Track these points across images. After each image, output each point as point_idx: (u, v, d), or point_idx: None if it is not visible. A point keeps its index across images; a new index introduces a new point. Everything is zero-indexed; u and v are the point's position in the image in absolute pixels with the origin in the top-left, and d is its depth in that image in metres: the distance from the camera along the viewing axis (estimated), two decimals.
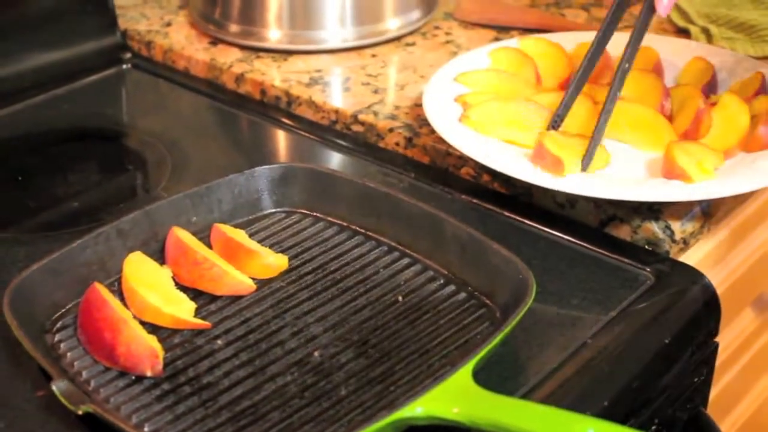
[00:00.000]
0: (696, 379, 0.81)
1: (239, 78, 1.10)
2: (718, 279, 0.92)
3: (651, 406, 0.75)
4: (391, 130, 0.98)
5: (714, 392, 0.88)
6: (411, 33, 1.19)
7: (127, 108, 1.16)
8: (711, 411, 0.85)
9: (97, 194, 0.97)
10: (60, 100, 1.12)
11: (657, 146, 0.89)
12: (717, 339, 0.83)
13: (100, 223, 0.81)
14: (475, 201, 0.89)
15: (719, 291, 0.81)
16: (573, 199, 0.86)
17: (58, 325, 0.73)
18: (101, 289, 0.72)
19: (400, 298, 0.76)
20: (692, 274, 0.81)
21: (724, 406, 1.13)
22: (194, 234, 0.81)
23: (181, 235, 0.79)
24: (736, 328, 1.07)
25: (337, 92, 1.06)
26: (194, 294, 0.76)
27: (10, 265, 0.82)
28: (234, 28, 1.17)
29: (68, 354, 0.71)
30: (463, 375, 0.63)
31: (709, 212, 0.86)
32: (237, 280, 0.77)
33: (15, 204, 0.95)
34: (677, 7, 1.20)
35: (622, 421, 0.71)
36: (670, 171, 0.83)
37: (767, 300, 1.13)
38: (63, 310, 0.74)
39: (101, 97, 1.14)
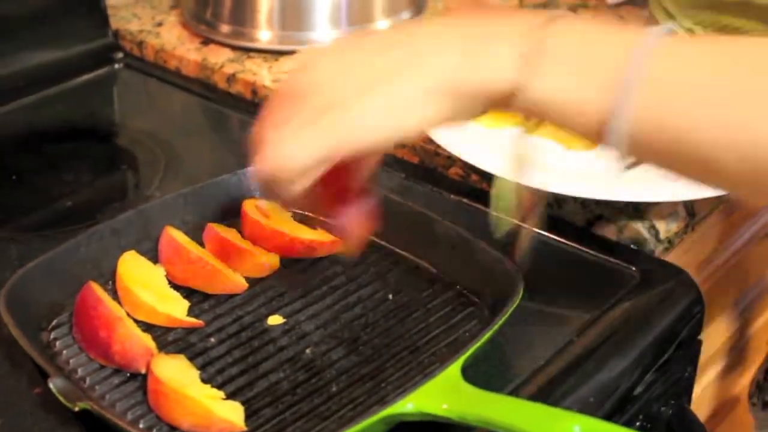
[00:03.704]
0: (680, 377, 0.83)
1: (230, 78, 1.11)
2: (701, 278, 0.94)
3: (636, 403, 0.77)
4: None
5: (697, 389, 0.90)
6: None
7: (120, 107, 1.17)
8: (693, 407, 0.87)
9: (90, 193, 0.98)
10: (52, 100, 1.12)
11: None
12: (700, 337, 0.84)
13: (94, 222, 0.83)
14: (464, 201, 0.90)
15: (703, 289, 0.82)
16: (560, 199, 0.87)
17: (54, 323, 0.74)
18: (96, 288, 0.73)
19: (390, 296, 0.77)
20: (677, 273, 0.82)
21: (706, 402, 1.15)
22: (187, 233, 0.82)
23: (174, 234, 0.80)
24: (719, 326, 1.09)
25: None
26: (187, 292, 0.78)
27: (4, 264, 0.82)
28: (225, 28, 1.18)
29: (64, 352, 0.72)
30: (453, 372, 0.65)
31: (693, 212, 0.88)
32: (230, 278, 0.78)
33: (8, 203, 0.96)
34: (663, 8, 1.21)
35: (608, 417, 0.73)
36: None
37: (750, 298, 1.15)
38: (58, 309, 0.75)
39: (93, 96, 1.15)
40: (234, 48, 1.16)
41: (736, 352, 1.19)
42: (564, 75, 0.55)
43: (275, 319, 0.75)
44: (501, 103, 0.57)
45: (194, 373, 0.69)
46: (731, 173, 0.53)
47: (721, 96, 0.53)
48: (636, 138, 0.54)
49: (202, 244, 0.82)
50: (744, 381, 1.20)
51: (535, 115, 0.58)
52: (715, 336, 1.09)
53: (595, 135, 0.56)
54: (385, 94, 0.58)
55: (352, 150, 0.59)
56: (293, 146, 0.59)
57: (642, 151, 0.56)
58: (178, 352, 0.72)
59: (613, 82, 0.53)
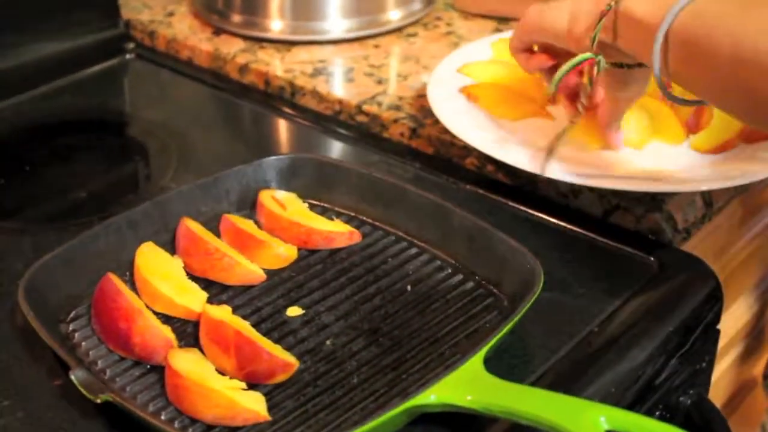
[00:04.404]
0: (698, 366, 0.83)
1: (243, 68, 1.11)
2: (718, 266, 0.93)
3: (656, 393, 0.77)
4: (395, 120, 0.99)
5: (713, 376, 0.90)
6: (412, 24, 1.19)
7: (131, 98, 1.17)
8: (709, 394, 0.87)
9: (103, 185, 0.98)
10: (64, 91, 1.12)
11: (662, 135, 0.91)
12: (718, 326, 0.84)
13: (107, 213, 0.82)
14: (479, 191, 0.90)
15: (720, 278, 0.82)
16: (577, 189, 0.87)
17: (72, 314, 0.74)
18: (115, 280, 0.73)
19: (408, 288, 0.77)
20: (695, 263, 0.82)
21: (722, 389, 1.15)
22: (203, 224, 0.82)
23: (191, 225, 0.80)
24: (735, 313, 1.08)
25: (341, 82, 1.07)
26: (205, 284, 0.77)
27: (18, 256, 0.83)
28: (237, 18, 1.18)
29: (83, 343, 0.72)
30: (475, 363, 0.65)
31: (710, 202, 0.88)
32: (248, 269, 0.78)
33: (21, 194, 0.95)
34: None
35: (629, 407, 0.72)
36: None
37: (765, 286, 1.15)
38: (76, 300, 0.75)
39: (105, 87, 1.14)
40: (246, 38, 1.16)
41: (752, 339, 1.19)
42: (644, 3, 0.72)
43: (294, 311, 0.75)
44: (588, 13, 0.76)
45: (210, 366, 0.69)
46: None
47: (744, 17, 0.66)
48: (675, 48, 0.69)
49: (218, 235, 0.81)
50: (760, 367, 1.20)
51: (615, 29, 0.74)
52: (731, 323, 1.09)
53: (645, 45, 0.71)
54: (549, 6, 0.80)
55: (524, 36, 0.85)
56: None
57: (679, 60, 0.70)
58: (198, 343, 0.71)
59: (668, 7, 0.69)
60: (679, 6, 0.69)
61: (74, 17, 1.16)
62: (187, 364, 0.68)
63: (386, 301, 0.76)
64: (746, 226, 1.02)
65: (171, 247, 0.81)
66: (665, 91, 0.74)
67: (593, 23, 0.76)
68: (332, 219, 0.84)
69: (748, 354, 1.20)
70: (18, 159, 1.01)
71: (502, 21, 1.20)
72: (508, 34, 1.06)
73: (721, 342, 0.89)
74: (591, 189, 0.86)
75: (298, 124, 1.05)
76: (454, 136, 0.91)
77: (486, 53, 1.03)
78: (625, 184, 0.83)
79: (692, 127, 0.91)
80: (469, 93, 0.95)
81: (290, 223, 0.81)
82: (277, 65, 1.10)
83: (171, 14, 1.23)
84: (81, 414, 0.67)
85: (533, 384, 0.69)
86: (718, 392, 1.13)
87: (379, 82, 1.06)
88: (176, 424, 0.65)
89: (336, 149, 1.01)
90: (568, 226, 0.85)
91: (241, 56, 1.12)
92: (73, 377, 0.65)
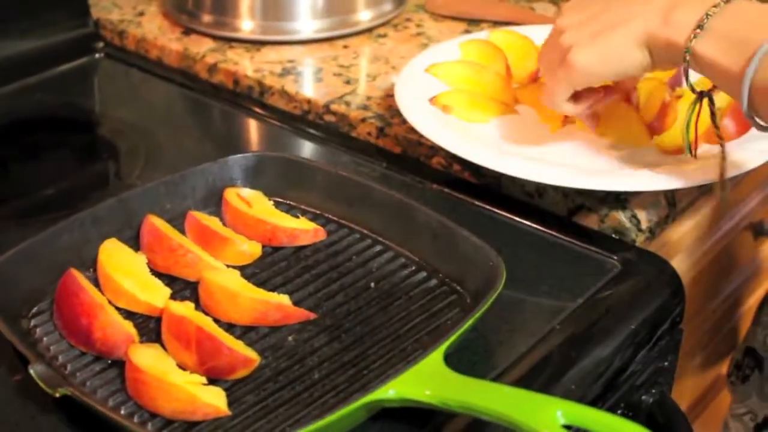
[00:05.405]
0: (661, 365, 0.83)
1: (212, 68, 1.11)
2: (683, 268, 0.94)
3: (618, 391, 0.77)
4: (363, 120, 0.99)
5: (679, 377, 0.90)
6: (383, 24, 1.20)
7: (100, 97, 1.16)
8: (675, 396, 0.87)
9: (71, 183, 0.98)
10: (33, 90, 1.12)
11: (627, 137, 0.91)
12: (681, 326, 0.84)
13: (74, 211, 0.82)
14: (446, 190, 0.90)
15: (684, 280, 0.83)
16: (542, 189, 0.87)
17: (34, 310, 0.74)
18: (78, 275, 0.73)
19: (372, 285, 0.77)
20: (658, 263, 0.82)
21: (688, 390, 1.16)
22: (168, 221, 0.81)
23: (156, 222, 0.80)
24: (701, 315, 1.09)
25: (310, 82, 1.07)
26: (169, 280, 0.77)
27: None
28: (207, 18, 1.17)
29: (44, 338, 0.71)
30: (435, 358, 0.65)
31: (674, 202, 0.88)
32: (211, 266, 0.77)
33: None
34: None
35: (590, 405, 0.73)
36: None
37: (731, 288, 1.15)
38: (39, 296, 0.75)
39: (74, 86, 1.14)
40: (215, 38, 1.16)
41: (719, 341, 1.19)
42: (718, 46, 0.75)
43: None
44: (670, 56, 0.78)
45: (171, 361, 0.69)
46: None
47: None
48: (759, 97, 0.73)
49: (183, 232, 0.81)
50: (726, 368, 1.21)
51: (692, 67, 0.77)
52: (697, 325, 1.10)
53: (733, 91, 0.75)
54: (602, 45, 0.79)
55: (584, 85, 0.83)
56: (551, 92, 0.84)
57: (765, 107, 0.74)
58: (160, 338, 0.71)
59: (748, 58, 0.73)
60: (759, 57, 0.72)
61: (44, 16, 1.16)
62: (147, 359, 0.67)
63: (349, 298, 0.76)
64: (713, 227, 1.02)
65: (135, 244, 0.80)
66: (758, 125, 0.76)
67: (676, 64, 0.79)
68: (297, 217, 0.84)
69: (715, 356, 1.20)
70: None
71: (472, 23, 1.21)
72: (477, 35, 1.07)
73: (687, 344, 0.89)
74: (555, 188, 0.86)
75: (266, 124, 1.05)
76: (421, 136, 0.91)
77: (454, 54, 1.04)
78: (589, 183, 0.83)
79: (657, 128, 0.91)
80: (443, 105, 0.94)
81: (255, 221, 0.81)
82: (246, 65, 1.10)
83: (141, 14, 1.23)
84: (40, 409, 0.67)
85: (494, 380, 0.69)
86: (684, 394, 1.13)
87: (348, 82, 1.06)
88: (135, 419, 0.65)
89: (304, 148, 1.01)
90: (533, 225, 0.85)
91: (211, 56, 1.12)
92: (31, 371, 0.64)
